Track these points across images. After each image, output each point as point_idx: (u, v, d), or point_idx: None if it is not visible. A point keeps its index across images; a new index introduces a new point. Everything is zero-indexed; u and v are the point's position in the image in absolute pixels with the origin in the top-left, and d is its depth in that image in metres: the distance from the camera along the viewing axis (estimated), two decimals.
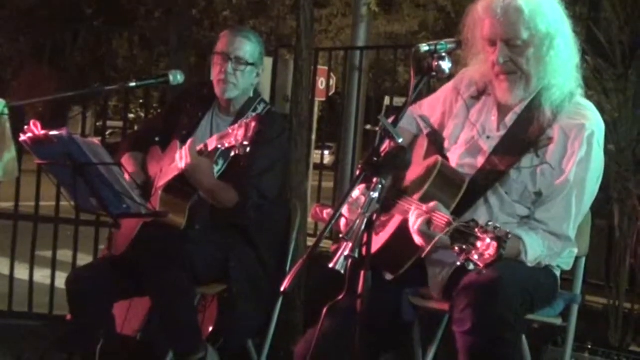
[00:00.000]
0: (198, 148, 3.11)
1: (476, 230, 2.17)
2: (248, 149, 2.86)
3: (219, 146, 2.98)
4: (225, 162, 3.30)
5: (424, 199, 2.58)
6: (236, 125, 2.90)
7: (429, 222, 2.45)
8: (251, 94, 3.47)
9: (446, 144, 2.88)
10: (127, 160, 3.46)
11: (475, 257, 2.14)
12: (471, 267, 2.16)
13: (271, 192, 3.32)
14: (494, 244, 2.11)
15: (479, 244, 2.14)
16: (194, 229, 3.25)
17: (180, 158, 3.12)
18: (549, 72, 2.66)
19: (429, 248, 2.43)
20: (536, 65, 2.66)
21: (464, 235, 2.19)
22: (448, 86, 2.97)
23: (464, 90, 2.89)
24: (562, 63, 2.66)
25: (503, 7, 2.63)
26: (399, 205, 2.66)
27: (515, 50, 2.65)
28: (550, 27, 2.62)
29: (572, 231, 2.64)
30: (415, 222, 2.49)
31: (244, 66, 3.37)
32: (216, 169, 3.29)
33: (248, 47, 3.39)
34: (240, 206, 3.24)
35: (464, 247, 2.16)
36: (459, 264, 2.19)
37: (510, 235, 2.14)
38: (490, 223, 2.17)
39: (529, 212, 2.68)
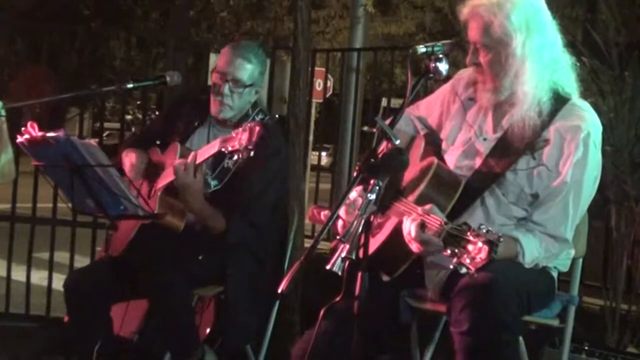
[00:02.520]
0: (188, 160, 3.09)
1: (468, 233, 2.17)
2: (252, 153, 2.85)
3: (222, 149, 2.97)
4: (220, 183, 3.28)
5: (420, 201, 2.58)
6: (240, 129, 2.89)
7: (422, 226, 2.45)
8: (248, 111, 3.42)
9: (443, 145, 2.88)
10: (127, 152, 3.44)
11: (467, 260, 2.14)
12: (463, 270, 2.16)
13: (262, 220, 3.29)
14: (485, 247, 2.12)
15: (470, 247, 2.14)
16: (192, 231, 3.25)
17: (180, 171, 3.09)
18: (526, 76, 2.64)
19: (423, 251, 2.43)
20: (500, 69, 2.65)
21: (455, 239, 2.19)
22: (446, 87, 2.98)
23: (462, 91, 2.90)
24: (535, 66, 2.64)
25: (471, 11, 2.67)
26: (394, 207, 2.66)
27: (480, 53, 2.68)
28: (514, 32, 2.61)
29: (569, 233, 2.65)
30: (409, 230, 2.49)
31: (242, 88, 3.32)
32: (212, 183, 3.27)
33: (248, 69, 3.32)
34: (228, 236, 3.22)
35: (456, 250, 2.17)
36: (451, 267, 2.19)
37: (502, 239, 2.14)
38: (482, 226, 2.17)
39: (525, 214, 2.68)
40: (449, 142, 2.86)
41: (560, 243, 2.64)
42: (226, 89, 3.31)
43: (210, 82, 3.49)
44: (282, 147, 3.42)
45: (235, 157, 2.93)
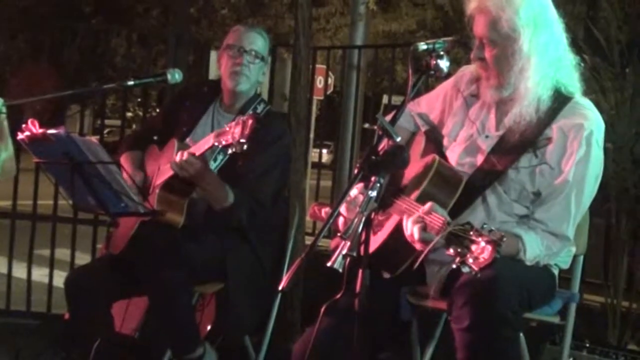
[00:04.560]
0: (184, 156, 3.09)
1: (471, 233, 2.17)
2: (245, 147, 2.86)
3: (216, 144, 2.98)
4: (224, 158, 3.30)
5: (421, 199, 2.58)
6: (233, 123, 2.90)
7: (424, 228, 2.45)
8: (255, 93, 3.48)
9: (445, 142, 2.88)
10: (125, 160, 3.46)
11: (470, 260, 2.14)
12: (466, 269, 2.16)
13: (267, 198, 3.31)
14: (489, 247, 2.11)
15: (473, 247, 2.14)
16: (192, 227, 3.25)
17: (182, 168, 3.10)
18: (530, 72, 2.64)
19: (425, 252, 2.43)
20: (505, 65, 2.65)
21: (458, 238, 2.19)
22: (448, 83, 2.97)
23: (464, 88, 2.89)
24: (540, 63, 2.64)
25: (478, 6, 2.66)
26: (396, 205, 2.66)
27: (485, 49, 2.67)
28: (522, 27, 2.60)
29: (571, 231, 2.64)
30: (411, 231, 2.49)
31: (258, 60, 3.40)
32: (214, 165, 3.29)
33: (260, 42, 3.43)
34: (234, 210, 3.23)
35: (459, 250, 2.16)
36: (454, 266, 2.19)
37: (505, 238, 2.14)
38: (485, 226, 2.17)
39: (527, 211, 2.68)
40: (451, 139, 2.85)
41: (562, 241, 2.64)
42: (245, 59, 3.37)
43: (211, 78, 3.50)
44: (283, 133, 3.45)
45: (230, 151, 2.94)
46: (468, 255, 2.14)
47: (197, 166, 3.08)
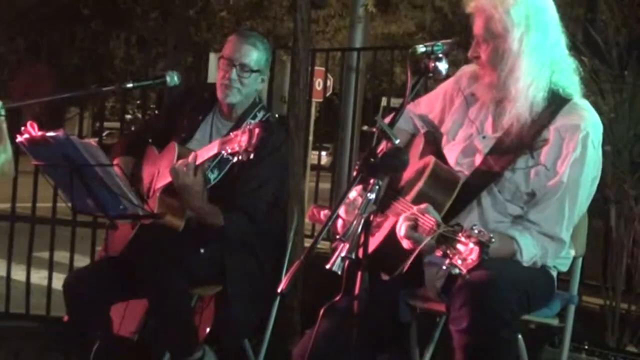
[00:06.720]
0: (189, 160, 3.09)
1: (459, 234, 2.17)
2: (251, 156, 2.84)
3: (222, 152, 2.96)
4: (220, 173, 3.29)
5: (417, 200, 2.58)
6: (239, 131, 2.88)
7: (414, 227, 2.45)
8: (255, 100, 3.46)
9: (444, 140, 2.87)
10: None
11: (459, 262, 2.14)
12: (455, 271, 2.16)
13: (259, 213, 3.28)
14: (477, 248, 2.11)
15: (461, 248, 2.14)
16: (191, 229, 3.25)
17: (180, 171, 3.09)
18: (519, 72, 2.64)
19: (413, 256, 2.43)
20: (498, 64, 2.65)
21: (447, 240, 2.19)
22: (449, 81, 2.97)
23: (465, 86, 2.89)
24: (531, 64, 2.64)
25: (475, 5, 2.68)
26: (393, 207, 2.66)
27: (481, 46, 2.68)
28: (511, 26, 2.61)
29: (565, 233, 2.63)
30: (400, 228, 2.49)
31: (249, 73, 3.35)
32: (212, 176, 3.27)
33: (254, 55, 3.36)
34: (226, 231, 3.22)
35: (448, 251, 2.17)
36: (444, 268, 2.19)
37: (493, 240, 2.14)
38: (474, 227, 2.17)
39: (520, 212, 2.68)
40: (450, 137, 2.85)
41: (556, 243, 2.63)
42: (234, 73, 3.33)
43: (210, 81, 3.49)
44: (281, 144, 3.43)
45: (235, 159, 2.93)
46: (456, 257, 2.14)
47: (188, 180, 3.06)
